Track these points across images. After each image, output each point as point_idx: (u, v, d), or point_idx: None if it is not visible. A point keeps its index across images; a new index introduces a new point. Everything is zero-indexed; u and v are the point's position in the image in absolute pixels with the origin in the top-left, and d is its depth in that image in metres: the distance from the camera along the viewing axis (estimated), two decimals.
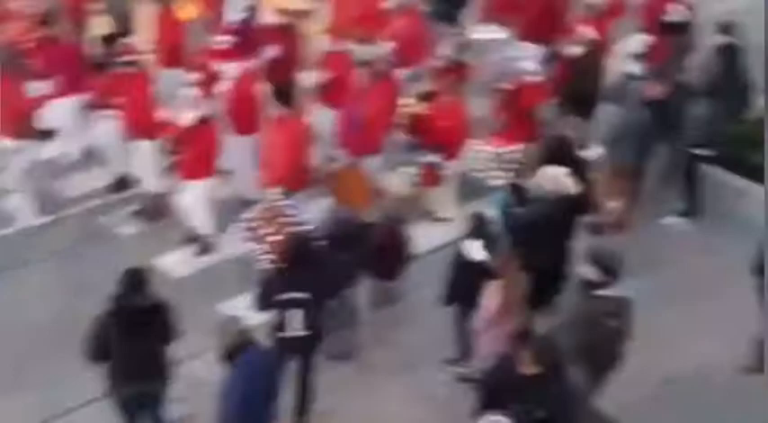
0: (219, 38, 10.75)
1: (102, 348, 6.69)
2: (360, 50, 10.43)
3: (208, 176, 9.56)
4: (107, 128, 10.37)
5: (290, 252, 7.32)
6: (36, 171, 10.14)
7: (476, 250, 7.86)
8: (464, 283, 7.95)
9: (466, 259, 7.88)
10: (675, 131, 10.24)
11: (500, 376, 6.34)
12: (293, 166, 9.11)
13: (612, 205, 10.23)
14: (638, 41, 11.92)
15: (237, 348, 6.40)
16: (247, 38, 10.97)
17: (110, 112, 10.14)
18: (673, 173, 10.95)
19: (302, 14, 11.79)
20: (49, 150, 10.36)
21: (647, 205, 10.65)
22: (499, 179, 10.02)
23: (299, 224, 8.68)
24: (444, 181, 10.15)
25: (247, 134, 9.92)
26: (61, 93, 10.47)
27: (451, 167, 10.10)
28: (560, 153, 8.89)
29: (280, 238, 8.51)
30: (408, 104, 10.20)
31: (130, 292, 6.69)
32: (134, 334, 6.64)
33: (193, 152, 9.34)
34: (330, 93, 10.39)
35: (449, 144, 9.90)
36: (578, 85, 10.71)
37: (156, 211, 10.27)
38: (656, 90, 10.30)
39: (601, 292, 7.03)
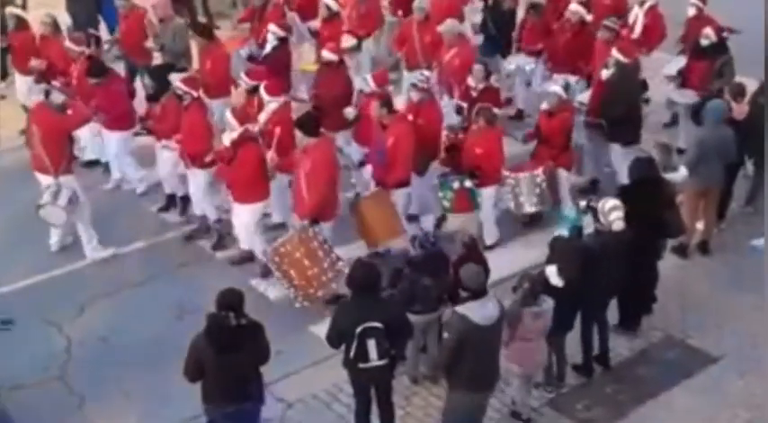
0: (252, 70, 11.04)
1: (198, 368, 6.92)
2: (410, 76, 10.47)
3: (257, 200, 9.66)
4: (164, 157, 10.81)
5: (360, 280, 7.23)
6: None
7: (553, 276, 7.91)
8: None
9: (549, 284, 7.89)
10: (761, 151, 10.15)
11: None
12: (323, 197, 9.07)
13: (698, 227, 10.18)
14: (675, 64, 12.04)
15: None
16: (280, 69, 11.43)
17: (166, 141, 10.54)
18: (759, 193, 10.85)
19: (352, 51, 12.36)
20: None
21: (735, 226, 10.57)
22: (529, 205, 10.10)
23: (331, 250, 8.86)
24: (478, 208, 10.06)
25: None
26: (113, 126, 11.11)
27: (486, 194, 10.06)
28: (646, 176, 8.91)
29: (315, 270, 8.72)
30: (447, 133, 10.41)
31: (225, 312, 6.89)
32: (227, 353, 6.82)
33: (238, 174, 9.48)
34: (361, 130, 10.52)
35: (483, 170, 9.86)
36: (612, 107, 10.73)
37: (220, 238, 10.49)
38: (739, 110, 10.26)
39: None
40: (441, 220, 10.50)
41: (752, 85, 10.89)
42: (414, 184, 10.00)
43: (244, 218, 9.78)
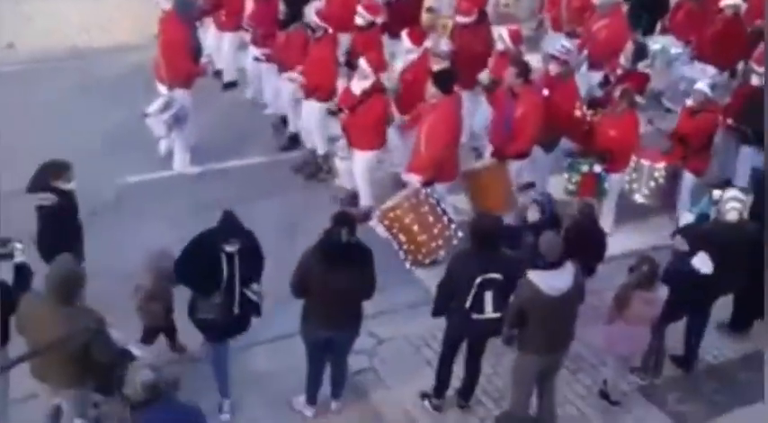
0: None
1: (304, 282, 6.95)
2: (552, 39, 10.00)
3: (373, 148, 9.61)
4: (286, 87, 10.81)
5: (484, 230, 7.16)
6: None
7: (703, 263, 7.61)
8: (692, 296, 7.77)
9: (695, 273, 7.64)
10: None
11: None
12: (439, 156, 8.87)
13: None
14: None
15: (142, 404, 5.58)
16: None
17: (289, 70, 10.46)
18: None
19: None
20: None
21: None
22: (639, 194, 9.76)
23: (444, 212, 8.68)
24: (603, 193, 9.57)
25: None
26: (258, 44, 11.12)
27: (614, 180, 9.61)
28: None
29: (425, 237, 8.61)
30: (584, 111, 9.88)
31: (339, 228, 6.87)
32: (336, 270, 6.81)
33: (361, 122, 9.37)
34: (494, 91, 9.97)
35: (615, 155, 9.42)
36: (757, 112, 9.87)
37: (317, 170, 10.54)
38: None
39: None
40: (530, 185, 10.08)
41: None
42: (537, 158, 9.67)
43: (356, 164, 9.72)
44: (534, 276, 6.77)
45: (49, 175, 7.37)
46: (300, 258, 6.92)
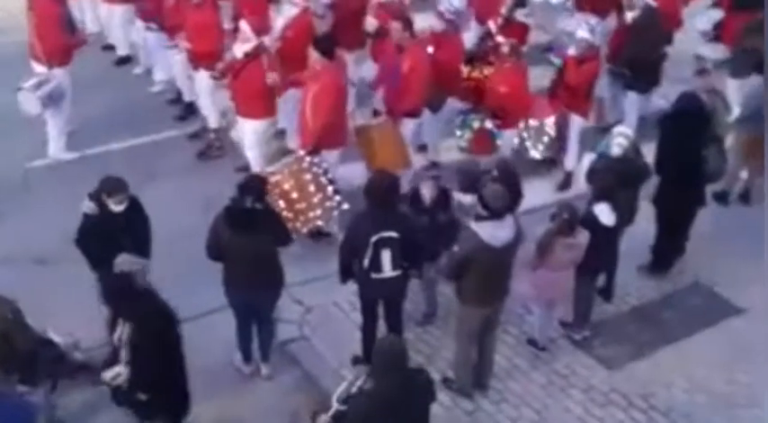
0: None
1: (217, 247, 7.01)
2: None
3: (263, 117, 9.32)
4: (176, 59, 10.60)
5: (379, 190, 7.11)
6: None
7: (603, 214, 7.72)
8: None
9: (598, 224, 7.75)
10: None
11: None
12: (325, 124, 8.64)
13: (742, 175, 9.96)
14: (708, 19, 11.45)
15: None
16: None
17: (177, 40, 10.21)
18: None
19: None
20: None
21: None
22: (535, 151, 9.80)
23: (330, 182, 8.54)
24: (495, 150, 9.49)
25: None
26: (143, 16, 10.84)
27: (506, 136, 9.58)
28: (689, 107, 8.53)
29: (303, 205, 8.44)
30: (469, 67, 9.81)
31: (243, 195, 6.92)
32: (243, 234, 6.87)
33: (246, 87, 9.11)
34: (378, 45, 9.90)
35: (508, 111, 9.37)
36: (634, 52, 10.25)
37: (216, 149, 10.33)
38: None
39: None
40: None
41: None
42: (426, 119, 9.62)
43: (247, 134, 9.47)
44: (477, 227, 6.82)
45: (105, 189, 7.09)
46: (211, 224, 7.01)
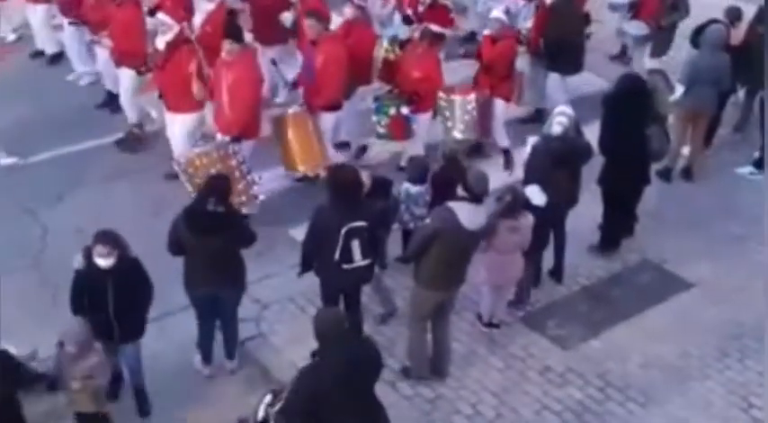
0: None
1: (178, 245, 6.96)
2: None
3: (193, 110, 9.20)
4: (99, 53, 10.56)
5: (343, 181, 7.11)
6: None
7: (534, 195, 7.84)
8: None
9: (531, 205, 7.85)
10: (754, 79, 10.05)
11: None
12: (244, 115, 8.70)
13: (684, 152, 10.14)
14: None
15: None
16: None
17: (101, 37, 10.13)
18: (749, 121, 10.82)
19: None
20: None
21: (721, 153, 10.53)
22: (457, 131, 9.62)
23: (249, 177, 8.52)
24: (414, 134, 9.59)
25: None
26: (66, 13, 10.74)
27: (421, 120, 9.59)
28: (632, 86, 8.63)
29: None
30: (384, 50, 9.75)
31: (205, 197, 6.89)
32: (205, 236, 6.83)
33: (172, 79, 9.02)
34: (300, 40, 9.86)
35: (421, 95, 9.35)
36: (554, 34, 10.44)
37: (136, 140, 10.27)
38: (735, 35, 10.11)
39: None
40: (363, 149, 10.17)
41: (749, 11, 10.72)
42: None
43: (177, 128, 9.33)
44: (454, 205, 6.88)
45: (93, 241, 6.59)
46: (170, 225, 6.96)
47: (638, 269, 8.90)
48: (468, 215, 6.88)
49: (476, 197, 6.93)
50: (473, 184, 6.93)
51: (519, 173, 8.75)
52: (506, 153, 10.07)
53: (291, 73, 10.00)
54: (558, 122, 8.13)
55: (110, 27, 9.85)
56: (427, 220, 7.13)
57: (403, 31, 10.47)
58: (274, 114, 9.38)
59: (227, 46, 8.69)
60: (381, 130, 9.60)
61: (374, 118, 9.61)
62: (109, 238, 6.55)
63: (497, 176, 9.62)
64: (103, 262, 6.50)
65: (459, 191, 6.99)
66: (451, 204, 6.92)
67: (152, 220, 8.62)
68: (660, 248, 9.08)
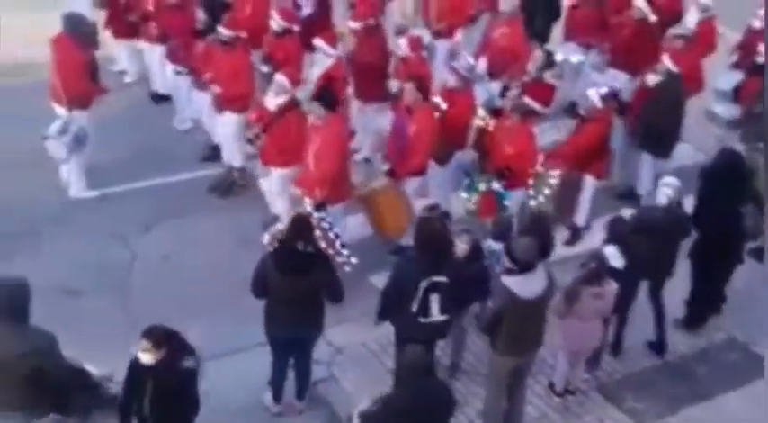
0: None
1: (263, 285, 7.02)
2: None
3: (290, 165, 9.13)
4: (201, 98, 10.60)
5: (426, 237, 7.15)
6: None
7: (613, 256, 7.69)
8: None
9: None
10: None
11: None
12: (329, 177, 8.60)
13: None
14: (727, 80, 11.38)
15: None
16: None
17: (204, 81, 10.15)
18: None
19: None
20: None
21: None
22: (535, 201, 9.31)
23: (334, 238, 8.45)
24: (503, 210, 9.10)
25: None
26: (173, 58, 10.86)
27: (514, 198, 9.24)
28: (732, 162, 8.50)
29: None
30: (480, 117, 9.54)
31: (294, 237, 6.96)
32: (290, 276, 6.89)
33: (276, 140, 9.09)
34: (396, 101, 9.71)
35: (514, 171, 9.08)
36: (651, 117, 10.07)
37: (231, 185, 10.31)
38: None
39: None
40: (445, 215, 9.42)
41: None
42: (432, 173, 9.49)
43: (274, 182, 9.41)
44: (508, 282, 6.80)
45: (142, 332, 6.15)
46: (257, 264, 7.03)
47: (724, 348, 8.63)
48: (522, 286, 6.78)
49: (523, 267, 6.82)
50: (518, 255, 6.83)
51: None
52: (576, 231, 9.86)
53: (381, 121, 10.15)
54: (664, 193, 8.02)
55: (214, 72, 9.93)
56: (489, 302, 7.09)
57: (499, 100, 10.28)
58: (360, 192, 9.22)
59: (316, 110, 8.76)
60: (471, 207, 9.31)
61: (464, 195, 9.35)
62: (153, 335, 6.03)
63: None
64: (144, 358, 6.04)
65: (506, 262, 6.90)
66: (504, 279, 6.84)
67: (237, 254, 8.71)
68: (748, 329, 8.76)
